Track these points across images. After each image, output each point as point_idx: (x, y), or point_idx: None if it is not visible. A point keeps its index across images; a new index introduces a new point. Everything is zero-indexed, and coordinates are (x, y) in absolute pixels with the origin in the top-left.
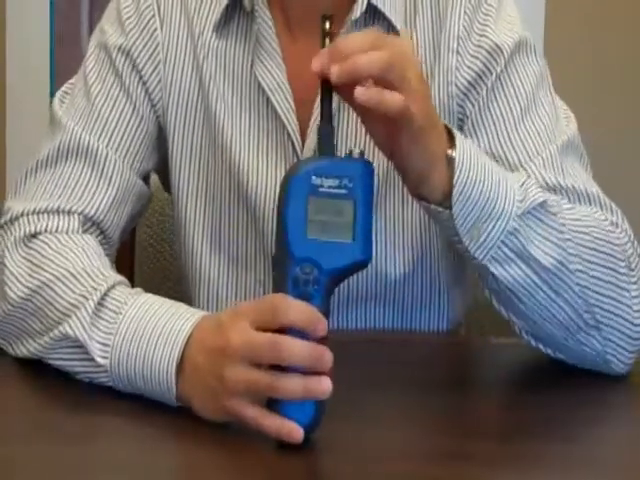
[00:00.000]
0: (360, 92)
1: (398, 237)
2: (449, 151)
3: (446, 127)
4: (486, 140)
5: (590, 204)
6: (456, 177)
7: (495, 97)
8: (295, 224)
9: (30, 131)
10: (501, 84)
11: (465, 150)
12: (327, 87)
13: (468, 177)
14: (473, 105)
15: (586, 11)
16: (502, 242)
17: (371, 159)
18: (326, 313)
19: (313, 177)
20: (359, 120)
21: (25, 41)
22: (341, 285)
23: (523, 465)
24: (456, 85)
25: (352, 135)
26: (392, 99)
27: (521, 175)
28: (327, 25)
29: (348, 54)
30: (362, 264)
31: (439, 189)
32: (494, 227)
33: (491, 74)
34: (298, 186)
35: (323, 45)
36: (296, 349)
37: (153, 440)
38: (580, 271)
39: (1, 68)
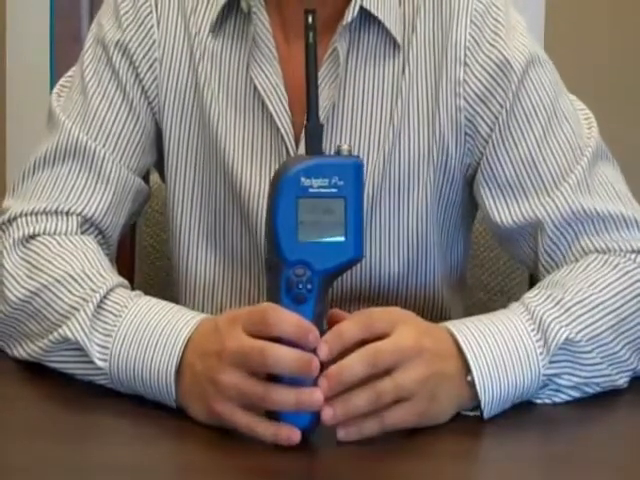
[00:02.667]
0: (341, 434)
1: (393, 236)
2: (468, 378)
3: (458, 347)
4: (510, 166)
5: (617, 229)
6: (483, 402)
7: (515, 118)
8: (285, 227)
9: (30, 131)
10: (520, 104)
11: (482, 366)
12: None
13: (493, 391)
14: (491, 129)
15: (586, 11)
16: (538, 393)
17: (365, 157)
18: (322, 313)
19: (302, 178)
20: (352, 116)
21: (25, 41)
22: (335, 285)
23: (523, 465)
24: (464, 98)
25: (347, 131)
26: (371, 428)
27: (531, 313)
28: (310, 19)
29: (346, 385)
30: (355, 261)
31: (468, 405)
32: (528, 394)
33: (505, 93)
34: (287, 189)
35: (307, 39)
36: (282, 357)
37: (153, 440)
38: (618, 339)
39: (1, 68)
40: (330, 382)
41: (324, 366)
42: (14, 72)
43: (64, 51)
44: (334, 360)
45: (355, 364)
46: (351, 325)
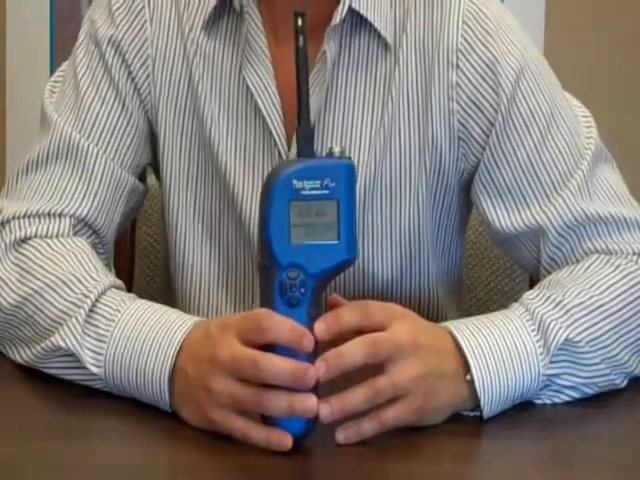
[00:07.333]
0: (340, 437)
1: (385, 239)
2: (467, 377)
3: (457, 345)
4: (509, 172)
5: (619, 231)
6: (482, 401)
7: (513, 124)
8: (278, 231)
9: (30, 131)
10: (517, 109)
11: (481, 365)
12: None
13: (492, 391)
14: (487, 134)
15: (586, 11)
16: (538, 393)
17: (356, 159)
18: (317, 316)
19: (294, 181)
20: (342, 118)
21: (25, 41)
22: (329, 288)
23: (522, 465)
24: (457, 101)
25: (337, 134)
26: (369, 429)
27: (531, 314)
28: (300, 22)
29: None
30: (348, 263)
31: (467, 405)
32: (527, 395)
33: (497, 96)
34: (279, 192)
35: (297, 43)
36: (276, 368)
37: (152, 440)
38: (618, 341)
39: (1, 69)
40: (328, 365)
41: (318, 347)
42: (14, 72)
43: (64, 51)
44: (327, 347)
45: (355, 350)
46: (349, 311)
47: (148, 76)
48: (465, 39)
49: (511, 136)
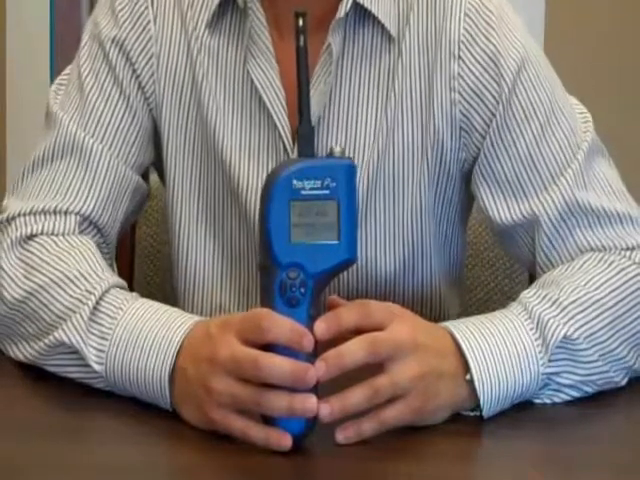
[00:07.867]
0: (340, 438)
1: (388, 234)
2: (467, 376)
3: (457, 345)
4: (509, 163)
5: (611, 225)
6: (482, 400)
7: (513, 115)
8: (278, 231)
9: (30, 131)
10: (517, 101)
11: (480, 364)
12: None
13: (492, 390)
14: (487, 125)
15: (586, 11)
16: (537, 393)
17: (360, 152)
18: (317, 316)
19: (294, 181)
20: (347, 110)
21: (25, 41)
22: (330, 285)
23: (522, 465)
24: (459, 92)
25: (342, 125)
26: (369, 429)
27: (529, 312)
28: (300, 23)
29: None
30: (348, 263)
31: (467, 405)
32: (527, 394)
33: (499, 87)
34: (279, 192)
35: (297, 43)
36: (276, 368)
37: (151, 440)
38: (615, 336)
39: (1, 68)
40: (328, 365)
41: (318, 347)
42: (14, 72)
43: (64, 51)
44: (327, 347)
45: (355, 350)
46: (349, 311)
47: (152, 74)
48: (467, 30)
49: (511, 127)
